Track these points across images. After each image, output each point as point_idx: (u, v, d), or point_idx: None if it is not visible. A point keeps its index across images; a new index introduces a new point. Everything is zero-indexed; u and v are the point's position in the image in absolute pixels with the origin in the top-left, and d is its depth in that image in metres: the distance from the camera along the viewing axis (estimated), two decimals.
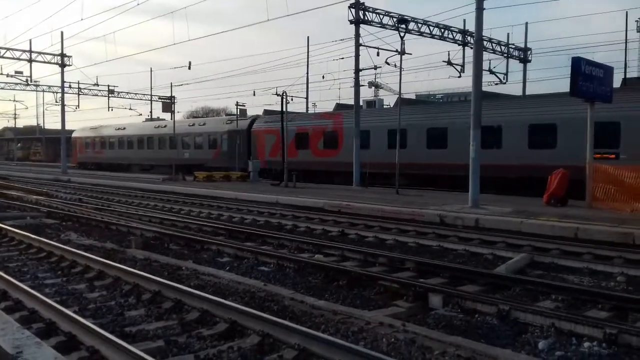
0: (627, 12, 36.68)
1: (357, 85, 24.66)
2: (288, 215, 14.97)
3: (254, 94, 39.68)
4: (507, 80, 31.44)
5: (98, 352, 4.61)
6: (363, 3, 23.38)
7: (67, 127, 40.72)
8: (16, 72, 37.48)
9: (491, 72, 30.06)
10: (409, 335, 4.99)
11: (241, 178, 28.36)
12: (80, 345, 4.81)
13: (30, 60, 35.57)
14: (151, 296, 6.45)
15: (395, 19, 24.09)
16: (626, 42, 31.63)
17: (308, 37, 38.31)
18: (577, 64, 14.43)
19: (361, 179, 23.23)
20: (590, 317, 5.55)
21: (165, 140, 38.29)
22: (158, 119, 48.24)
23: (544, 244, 10.02)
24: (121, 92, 47.07)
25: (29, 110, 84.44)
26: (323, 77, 38.77)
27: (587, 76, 14.63)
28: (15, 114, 76.24)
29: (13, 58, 35.15)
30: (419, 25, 26.12)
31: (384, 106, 33.50)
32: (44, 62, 36.50)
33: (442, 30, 27.13)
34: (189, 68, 38.82)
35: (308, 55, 36.67)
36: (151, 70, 70.51)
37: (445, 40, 27.61)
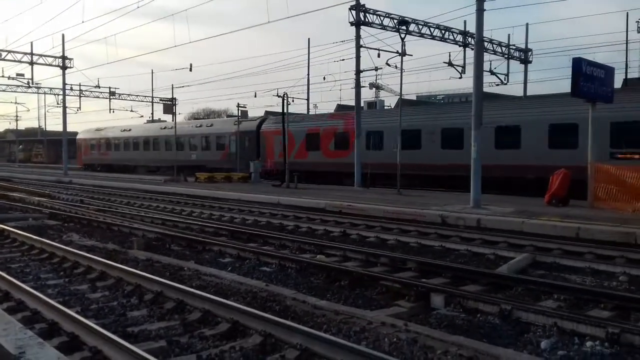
0: (627, 12, 36.58)
1: (358, 87, 24.67)
2: (290, 215, 14.98)
3: (255, 96, 40.27)
4: (508, 81, 31.45)
5: (101, 352, 4.62)
6: (364, 5, 23.39)
7: (69, 129, 40.76)
8: (18, 74, 37.64)
9: (492, 73, 30.03)
10: (411, 335, 4.99)
11: (242, 179, 28.37)
12: (82, 346, 4.82)
13: (31, 63, 35.64)
14: (153, 296, 6.45)
15: (395, 21, 24.08)
16: (627, 43, 31.59)
17: (309, 39, 38.54)
18: (578, 64, 14.42)
19: (362, 179, 23.21)
20: (593, 317, 5.54)
21: (171, 141, 38.11)
22: (160, 120, 48.26)
23: (545, 243, 10.01)
24: (122, 94, 47.17)
25: (30, 113, 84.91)
26: (324, 78, 38.76)
27: (588, 77, 14.63)
28: (17, 116, 76.21)
29: (15, 60, 35.26)
30: (420, 26, 26.11)
31: (385, 107, 33.47)
32: (46, 64, 36.57)
33: (443, 31, 27.11)
34: (190, 70, 39.02)
35: (309, 56, 36.73)
36: (152, 72, 70.40)
37: (446, 42, 27.59)
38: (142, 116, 50.33)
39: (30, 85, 39.48)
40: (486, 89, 24.99)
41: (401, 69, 21.28)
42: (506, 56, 30.97)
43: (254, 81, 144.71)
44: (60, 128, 41.29)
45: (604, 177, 14.72)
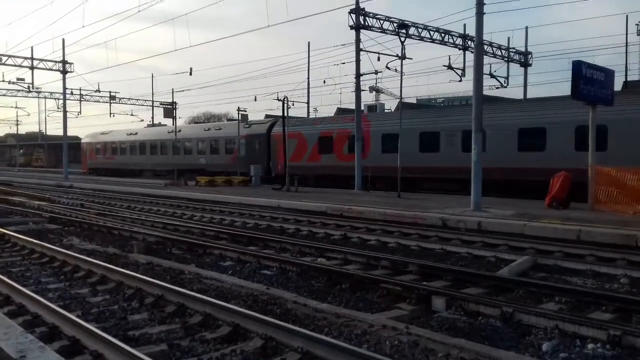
0: (627, 15, 36.77)
1: (358, 90, 24.69)
2: (290, 219, 14.97)
3: (255, 99, 39.73)
4: (508, 84, 31.48)
5: (102, 356, 4.61)
6: (363, 8, 23.42)
7: (69, 133, 40.81)
8: (18, 79, 37.62)
9: (492, 76, 30.06)
10: (412, 338, 4.98)
11: (243, 183, 28.37)
12: (83, 350, 4.81)
13: (32, 67, 35.68)
14: (154, 300, 6.45)
15: (395, 24, 24.11)
16: (627, 46, 31.68)
17: (309, 43, 38.60)
18: (578, 67, 14.43)
19: (363, 182, 23.18)
20: (594, 319, 5.53)
21: (179, 145, 37.82)
22: (160, 124, 48.28)
23: (546, 246, 10.00)
24: (122, 98, 47.13)
25: (30, 117, 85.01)
26: (324, 82, 38.74)
27: (588, 79, 14.63)
28: (17, 121, 76.35)
29: (15, 65, 35.28)
30: (420, 30, 26.13)
31: (385, 110, 33.41)
32: (46, 69, 36.61)
33: (443, 34, 27.15)
34: (190, 74, 38.97)
35: (309, 60, 36.82)
36: (152, 77, 70.57)
37: (446, 45, 27.61)
38: (142, 120, 50.30)
39: (31, 89, 39.54)
40: (486, 92, 24.95)
41: (401, 72, 21.33)
42: (506, 59, 31.01)
43: (254, 85, 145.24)
44: (60, 132, 41.32)
45: (604, 179, 14.71)
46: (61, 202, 21.21)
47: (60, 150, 43.98)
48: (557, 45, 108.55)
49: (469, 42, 27.31)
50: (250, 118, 36.28)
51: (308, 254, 9.75)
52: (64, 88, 37.78)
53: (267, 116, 37.72)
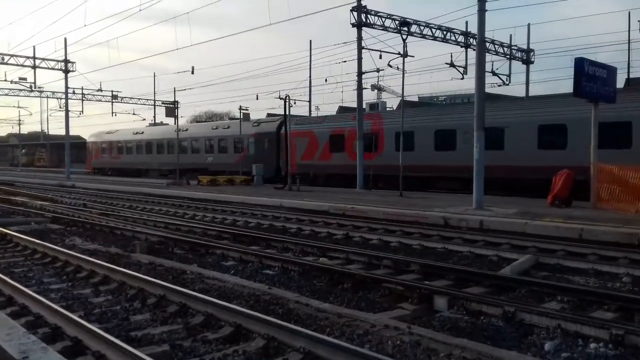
0: (629, 12, 36.48)
1: (359, 88, 24.66)
2: (292, 218, 14.98)
3: (257, 98, 40.17)
4: (510, 82, 31.43)
5: (104, 356, 4.62)
6: (365, 6, 23.40)
7: (71, 132, 40.84)
8: (20, 78, 37.68)
9: (494, 73, 30.03)
10: (414, 338, 4.97)
11: (245, 182, 28.38)
12: (86, 350, 4.82)
13: (34, 67, 35.74)
14: (156, 300, 6.46)
15: (397, 22, 24.10)
16: (629, 43, 31.48)
17: (310, 41, 38.21)
18: (580, 64, 14.41)
19: (364, 181, 23.13)
20: (596, 318, 5.52)
21: (187, 144, 37.46)
22: (162, 123, 48.31)
23: (548, 245, 9.99)
24: (124, 97, 47.20)
25: (33, 117, 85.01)
26: (326, 80, 38.73)
27: (591, 77, 14.61)
28: (19, 120, 76.56)
29: (17, 64, 35.34)
30: (421, 27, 26.11)
31: (387, 108, 33.31)
32: (48, 68, 36.65)
33: (445, 32, 27.11)
34: (192, 73, 39.10)
35: (310, 58, 36.84)
36: (154, 75, 70.54)
37: (448, 42, 27.58)
38: (144, 119, 50.34)
39: (33, 89, 39.67)
40: (488, 89, 24.90)
41: (403, 70, 21.32)
42: (508, 57, 30.97)
43: (255, 83, 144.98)
44: (62, 132, 41.43)
45: (606, 177, 14.68)
46: (64, 202, 21.25)
47: (62, 150, 44.07)
48: (560, 42, 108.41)
49: (471, 40, 27.28)
50: (252, 117, 36.25)
51: (310, 253, 9.75)
52: (66, 87, 37.85)
53: (269, 115, 37.67)
